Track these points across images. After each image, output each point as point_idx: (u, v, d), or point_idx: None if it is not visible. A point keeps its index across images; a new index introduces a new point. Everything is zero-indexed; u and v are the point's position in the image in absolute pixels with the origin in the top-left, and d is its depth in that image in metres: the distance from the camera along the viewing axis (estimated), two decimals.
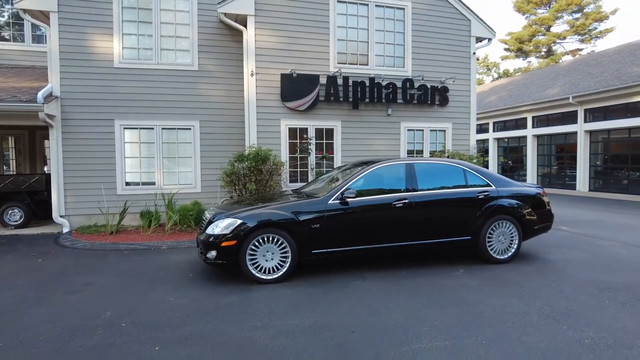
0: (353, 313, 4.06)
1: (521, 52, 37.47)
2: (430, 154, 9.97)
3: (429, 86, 9.74)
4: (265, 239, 5.02)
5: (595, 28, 33.86)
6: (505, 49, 38.68)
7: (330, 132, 9.32)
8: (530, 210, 6.05)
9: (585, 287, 4.80)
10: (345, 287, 4.85)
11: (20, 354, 3.30)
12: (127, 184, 8.86)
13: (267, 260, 5.05)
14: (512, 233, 5.92)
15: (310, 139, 8.95)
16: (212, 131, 9.21)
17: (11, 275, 5.43)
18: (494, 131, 21.82)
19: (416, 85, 9.67)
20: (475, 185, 5.91)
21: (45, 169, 12.05)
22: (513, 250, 5.93)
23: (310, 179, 9.01)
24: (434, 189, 5.73)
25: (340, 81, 9.06)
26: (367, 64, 9.47)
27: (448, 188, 5.82)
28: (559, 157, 18.67)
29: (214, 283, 5.09)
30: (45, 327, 3.83)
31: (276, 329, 3.72)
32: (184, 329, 3.73)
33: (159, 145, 8.98)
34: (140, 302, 4.44)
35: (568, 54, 35.33)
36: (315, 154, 9.11)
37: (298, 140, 9.04)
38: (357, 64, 9.41)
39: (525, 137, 19.73)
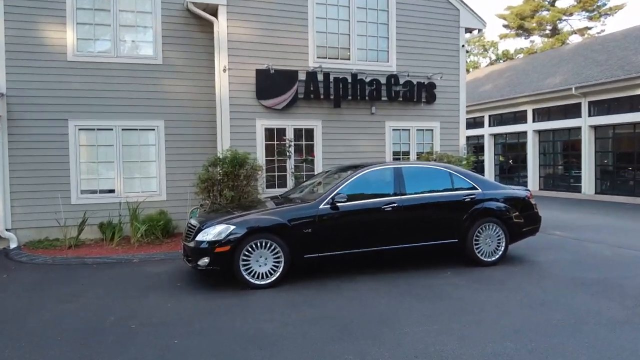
0: (349, 307, 5.56)
1: (523, 30, 40.37)
2: (417, 155, 11.59)
3: (415, 82, 11.37)
4: (259, 244, 6.42)
5: (605, 4, 37.11)
6: (504, 26, 41.53)
7: (310, 133, 10.76)
8: (517, 213, 7.73)
9: (564, 283, 6.51)
10: (339, 288, 6.36)
11: (47, 351, 4.59)
12: (83, 192, 9.98)
13: (260, 266, 6.44)
14: (499, 235, 7.57)
15: (290, 140, 10.36)
16: (179, 132, 10.44)
17: None
18: (490, 125, 23.84)
19: (401, 81, 11.27)
20: (461, 189, 7.53)
21: None
22: (500, 253, 7.59)
23: (289, 184, 10.40)
24: (421, 193, 7.30)
25: (320, 77, 10.51)
26: (349, 59, 11.00)
27: (435, 191, 7.42)
28: (563, 155, 20.81)
29: (207, 289, 6.46)
30: (57, 330, 5.11)
31: (281, 321, 5.17)
32: (196, 325, 5.12)
33: (119, 148, 10.13)
34: (139, 307, 5.76)
35: (575, 33, 38.45)
36: (295, 157, 10.53)
37: (275, 142, 10.43)
38: (338, 59, 10.93)
39: (525, 132, 21.77)
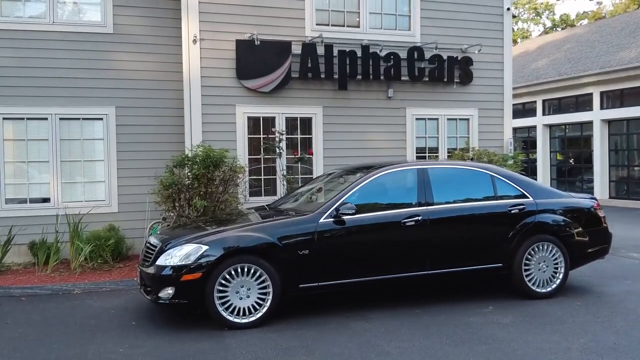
0: (359, 355, 5.55)
1: None
2: (448, 153, 11.59)
3: (445, 57, 11.39)
4: (240, 270, 6.39)
5: None
6: None
7: (307, 124, 10.76)
8: (580, 229, 7.70)
9: None
10: (345, 328, 6.33)
11: None
12: (9, 201, 9.98)
13: (241, 299, 6.41)
14: (556, 259, 7.54)
15: (281, 133, 10.35)
16: (135, 122, 10.46)
17: None
18: (544, 114, 23.80)
19: (427, 55, 11.29)
20: (507, 197, 7.52)
21: None
22: (558, 282, 7.55)
23: (279, 191, 10.42)
24: (453, 203, 7.31)
25: (320, 50, 10.53)
26: (359, 26, 11.05)
27: (472, 200, 7.42)
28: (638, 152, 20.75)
29: (171, 330, 6.43)
30: None
31: None
32: None
33: (56, 143, 10.12)
34: (83, 355, 5.73)
35: None
36: (288, 155, 10.51)
37: (262, 136, 10.42)
38: (344, 26, 10.97)
39: (590, 122, 21.74)
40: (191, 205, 9.12)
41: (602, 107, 21.29)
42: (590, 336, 6.05)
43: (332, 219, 6.74)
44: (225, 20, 10.16)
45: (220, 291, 6.34)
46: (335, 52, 10.64)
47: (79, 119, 10.29)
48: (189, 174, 9.23)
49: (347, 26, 11.01)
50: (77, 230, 9.52)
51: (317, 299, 7.17)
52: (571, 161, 23.60)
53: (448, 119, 11.71)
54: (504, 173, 7.73)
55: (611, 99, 21.04)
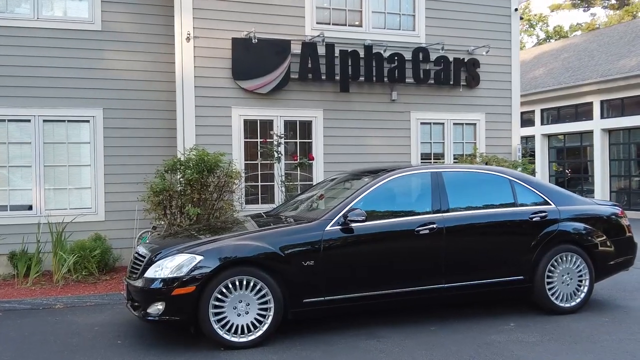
0: None
1: (582, 0, 40.22)
2: (454, 159, 11.08)
3: (451, 58, 10.93)
4: (237, 283, 5.76)
5: None
6: None
7: (306, 127, 10.26)
8: (604, 238, 7.13)
9: None
10: (353, 348, 5.68)
11: None
12: None
13: (239, 315, 5.77)
14: (580, 270, 6.95)
15: (280, 136, 9.81)
16: (124, 125, 9.91)
17: None
18: (542, 124, 23.44)
19: (432, 57, 10.81)
20: (527, 203, 6.94)
21: None
22: (582, 295, 6.96)
23: (277, 198, 9.88)
24: (470, 209, 6.73)
25: (321, 50, 10.03)
26: (361, 25, 10.58)
27: (490, 207, 6.84)
28: (638, 162, 20.38)
29: (162, 350, 5.76)
30: None
31: None
32: None
33: (39, 146, 9.55)
34: None
35: None
36: (287, 160, 9.97)
37: (259, 140, 9.89)
38: (345, 25, 10.50)
39: (590, 132, 21.37)
40: (183, 213, 8.54)
41: (602, 117, 20.96)
42: (629, 356, 5.42)
43: (339, 227, 6.15)
44: (221, 17, 9.66)
45: (216, 307, 5.71)
46: (337, 52, 10.14)
47: (64, 121, 9.74)
48: (181, 179, 8.67)
49: (349, 25, 10.55)
50: (60, 239, 8.93)
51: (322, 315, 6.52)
52: (568, 172, 23.13)
53: (454, 124, 11.21)
54: (523, 178, 7.17)
55: (612, 108, 20.72)
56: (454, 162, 11.10)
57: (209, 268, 5.68)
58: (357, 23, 10.57)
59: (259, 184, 9.99)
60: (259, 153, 9.87)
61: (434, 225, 6.42)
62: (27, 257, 8.94)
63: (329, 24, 10.35)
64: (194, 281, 5.64)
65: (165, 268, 5.75)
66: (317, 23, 10.25)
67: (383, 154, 10.61)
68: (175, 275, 5.67)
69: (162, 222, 8.93)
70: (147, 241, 7.13)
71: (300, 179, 10.18)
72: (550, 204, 7.01)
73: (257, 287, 5.81)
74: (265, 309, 5.84)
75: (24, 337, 6.31)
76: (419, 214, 6.53)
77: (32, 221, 9.41)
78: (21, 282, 8.66)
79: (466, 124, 11.29)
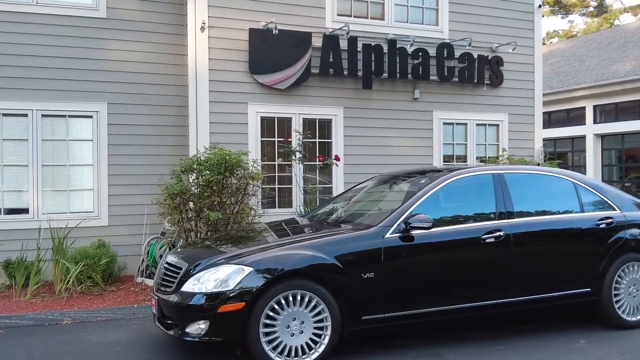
0: None
1: (560, 8, 40.39)
2: (477, 160, 10.59)
3: (475, 56, 10.41)
4: (291, 299, 5.07)
5: None
6: None
7: (325, 126, 9.71)
8: None
9: None
10: None
11: None
12: None
13: (293, 335, 5.08)
14: None
15: (300, 135, 9.26)
16: (130, 121, 9.28)
17: None
18: None
19: (457, 54, 10.30)
20: (593, 209, 6.41)
21: None
22: None
23: (295, 201, 9.36)
24: (535, 215, 6.17)
25: (343, 44, 9.48)
26: (383, 19, 10.06)
27: (555, 213, 6.31)
28: (628, 168, 20.22)
29: None
30: None
31: None
32: None
33: (36, 144, 8.91)
34: None
35: (627, 12, 38.63)
36: (310, 161, 9.42)
37: (276, 139, 9.32)
38: (367, 18, 9.97)
39: (583, 137, 21.22)
40: (201, 218, 7.81)
41: (595, 122, 20.78)
42: None
43: (398, 234, 5.51)
44: (238, 6, 9.02)
45: (266, 325, 5.02)
46: (360, 47, 9.56)
47: (64, 116, 9.02)
48: (197, 180, 8.02)
49: (371, 18, 9.98)
50: (61, 246, 8.16)
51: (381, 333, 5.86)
52: None
53: (477, 125, 10.70)
54: (587, 181, 6.66)
55: (605, 113, 20.58)
56: (476, 162, 10.68)
57: (260, 281, 5.01)
58: (378, 16, 10.01)
59: (276, 186, 9.36)
60: (276, 153, 9.30)
61: (501, 233, 5.80)
62: (24, 267, 8.15)
63: (350, 16, 9.78)
64: (244, 296, 4.96)
65: (208, 281, 5.07)
66: (338, 15, 9.68)
67: (405, 155, 10.07)
68: (220, 289, 4.99)
69: (173, 228, 8.33)
70: (178, 249, 6.41)
71: (318, 183, 9.60)
72: (616, 209, 6.46)
73: (313, 303, 5.14)
74: (321, 328, 5.17)
75: (32, 358, 5.52)
76: (483, 220, 5.94)
77: (27, 226, 8.71)
78: (19, 294, 7.83)
79: (489, 124, 10.80)
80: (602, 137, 20.76)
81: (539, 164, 10.41)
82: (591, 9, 40.04)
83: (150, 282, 8.35)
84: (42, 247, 8.32)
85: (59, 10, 8.86)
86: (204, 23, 8.76)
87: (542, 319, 6.65)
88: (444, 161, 10.46)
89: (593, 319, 6.40)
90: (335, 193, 9.42)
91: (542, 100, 11.24)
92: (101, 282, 8.23)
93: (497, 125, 10.83)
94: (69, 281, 7.86)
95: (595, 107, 20.67)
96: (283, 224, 6.92)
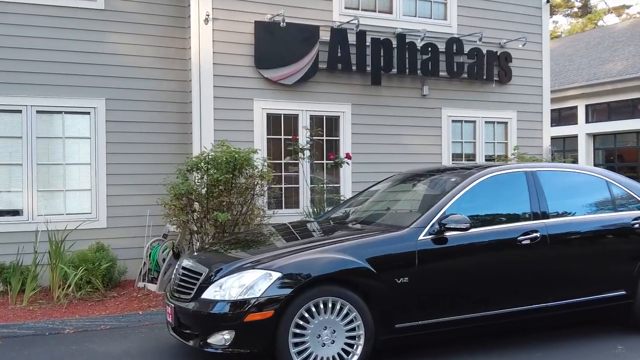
0: None
1: None
2: (486, 159, 10.46)
3: (484, 51, 10.24)
4: (322, 306, 4.75)
5: None
6: None
7: (333, 123, 9.53)
8: None
9: None
10: None
11: None
12: None
13: (324, 345, 4.76)
14: None
15: (308, 131, 9.06)
16: (129, 118, 9.03)
17: None
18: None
19: (466, 49, 10.12)
20: (627, 208, 6.19)
21: None
22: None
23: (303, 201, 9.15)
24: (570, 215, 5.96)
25: (352, 38, 9.27)
26: (391, 12, 9.89)
27: (590, 212, 6.11)
28: (620, 167, 20.18)
29: None
30: None
31: None
32: None
33: (31, 141, 8.65)
34: None
35: (611, 12, 38.99)
36: (317, 159, 9.16)
37: (283, 136, 9.12)
38: (375, 11, 9.80)
39: (575, 137, 21.19)
40: (209, 220, 7.52)
41: (587, 121, 20.89)
42: None
43: (431, 236, 5.21)
44: None
45: (296, 335, 4.69)
46: (369, 41, 9.32)
47: (60, 112, 8.75)
48: (203, 180, 7.73)
49: (379, 11, 9.77)
50: (59, 250, 7.83)
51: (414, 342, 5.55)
52: None
53: (485, 122, 10.54)
54: (619, 179, 6.45)
55: (597, 113, 20.69)
56: (485, 160, 10.55)
57: (290, 288, 4.68)
58: (386, 9, 9.81)
59: (283, 186, 9.11)
60: (283, 151, 9.04)
61: (537, 234, 5.54)
62: (20, 272, 7.82)
63: (358, 9, 9.57)
64: (272, 304, 4.62)
65: (232, 288, 4.73)
66: (346, 8, 9.46)
67: (413, 154, 9.87)
68: (246, 296, 4.65)
69: (175, 229, 8.04)
70: (192, 253, 6.07)
71: (325, 182, 9.35)
72: None
73: (345, 311, 4.81)
74: (354, 337, 4.85)
75: None
76: (518, 220, 5.67)
77: (21, 229, 8.43)
78: (15, 301, 7.48)
79: (497, 122, 10.66)
80: (594, 136, 20.87)
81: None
82: (575, 9, 40.36)
83: (152, 287, 8.06)
84: (38, 250, 7.99)
85: (55, 1, 8.57)
86: (208, 15, 8.49)
87: (574, 324, 6.42)
88: (453, 160, 10.30)
89: (618, 323, 6.20)
90: (343, 192, 9.24)
91: (550, 97, 11.15)
92: (102, 287, 7.92)
93: (506, 123, 10.69)
94: (68, 287, 7.55)
95: (587, 106, 20.77)
96: (303, 225, 6.70)
